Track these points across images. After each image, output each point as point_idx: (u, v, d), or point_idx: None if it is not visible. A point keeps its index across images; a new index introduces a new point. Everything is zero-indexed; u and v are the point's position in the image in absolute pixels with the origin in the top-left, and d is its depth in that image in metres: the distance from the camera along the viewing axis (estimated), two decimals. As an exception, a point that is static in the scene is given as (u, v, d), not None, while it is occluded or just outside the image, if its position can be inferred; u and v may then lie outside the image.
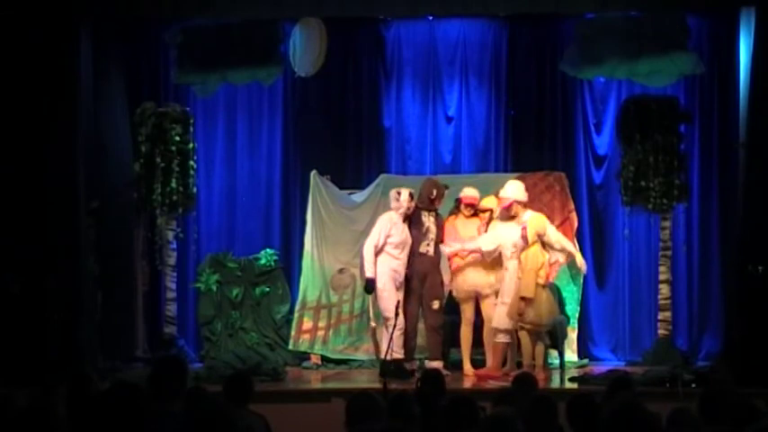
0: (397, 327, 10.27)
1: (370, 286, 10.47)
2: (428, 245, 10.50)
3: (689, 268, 11.79)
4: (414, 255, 10.48)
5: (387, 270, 10.42)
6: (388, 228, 10.44)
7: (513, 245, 10.33)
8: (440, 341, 10.53)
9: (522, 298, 10.18)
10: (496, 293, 10.46)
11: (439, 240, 10.53)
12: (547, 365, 10.71)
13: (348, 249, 11.45)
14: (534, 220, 10.37)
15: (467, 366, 10.58)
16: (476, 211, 10.64)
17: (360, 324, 11.30)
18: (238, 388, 6.36)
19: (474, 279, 10.51)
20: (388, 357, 10.15)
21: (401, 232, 10.46)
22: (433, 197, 10.54)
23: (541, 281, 10.25)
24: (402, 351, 10.32)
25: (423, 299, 10.47)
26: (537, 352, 10.43)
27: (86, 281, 10.69)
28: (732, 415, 5.40)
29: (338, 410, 5.35)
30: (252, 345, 11.36)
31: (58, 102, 10.36)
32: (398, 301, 10.22)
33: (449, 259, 10.61)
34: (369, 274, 10.41)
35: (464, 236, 10.57)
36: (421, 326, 10.66)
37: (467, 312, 10.59)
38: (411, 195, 10.52)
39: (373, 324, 11.10)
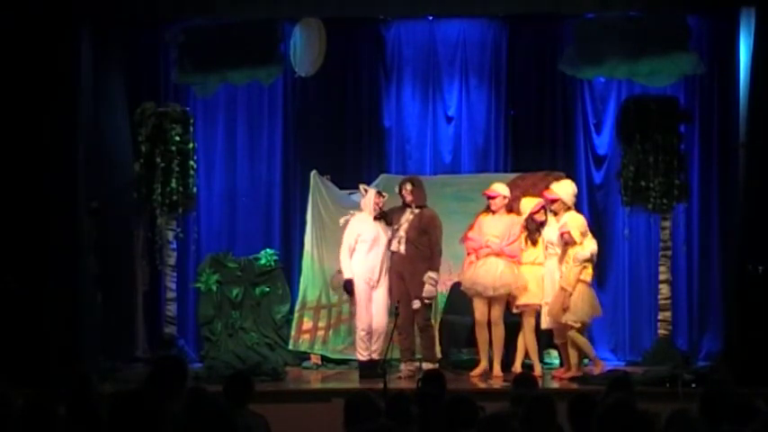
0: (360, 327, 10.39)
1: (348, 287, 10.52)
2: (399, 242, 10.43)
3: (689, 268, 11.78)
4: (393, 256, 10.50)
5: (359, 271, 10.45)
6: (356, 227, 10.50)
7: (551, 244, 10.35)
8: (430, 342, 10.48)
9: (563, 289, 10.16)
10: (508, 296, 10.42)
11: (415, 237, 10.36)
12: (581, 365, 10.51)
13: (348, 249, 11.45)
14: (575, 221, 10.36)
15: (479, 368, 10.47)
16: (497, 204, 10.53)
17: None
18: (239, 388, 6.37)
19: (477, 278, 10.40)
20: (361, 358, 10.36)
21: (372, 229, 10.46)
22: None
23: (586, 278, 10.23)
24: (366, 353, 10.37)
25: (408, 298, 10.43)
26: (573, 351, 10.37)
27: (86, 281, 10.69)
28: (732, 415, 5.40)
29: (338, 410, 5.35)
30: (252, 345, 11.35)
31: (58, 102, 10.36)
32: (398, 300, 10.23)
33: (467, 254, 10.55)
34: (346, 275, 10.49)
35: (487, 232, 10.48)
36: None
37: (476, 311, 10.44)
38: (379, 194, 10.51)
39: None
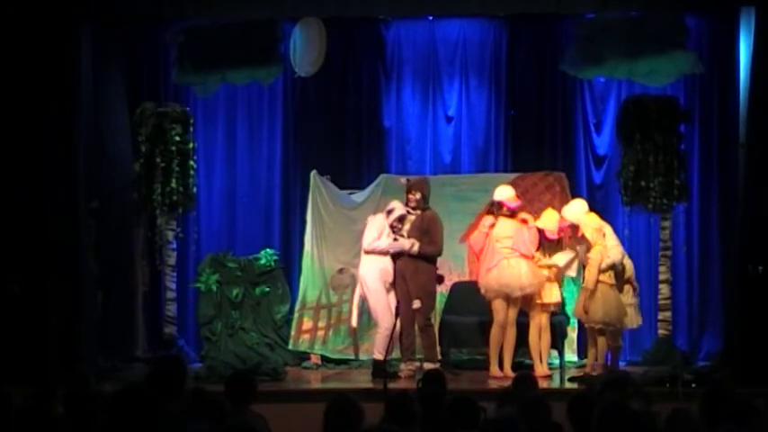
0: (384, 327, 10.34)
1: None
2: None
3: (689, 268, 11.79)
4: (395, 255, 10.48)
5: (375, 271, 10.43)
6: (378, 225, 10.51)
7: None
8: (431, 342, 10.46)
9: (585, 289, 10.15)
10: (525, 298, 10.40)
11: (417, 238, 10.36)
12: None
13: (348, 249, 11.45)
14: (589, 220, 10.36)
15: (494, 369, 10.43)
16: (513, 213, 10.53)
17: (360, 324, 11.25)
18: (240, 388, 6.37)
19: (502, 279, 10.32)
20: (380, 357, 10.27)
21: (387, 236, 10.49)
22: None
23: (609, 280, 10.22)
24: (383, 353, 10.29)
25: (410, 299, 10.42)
26: (600, 351, 10.37)
27: (86, 281, 10.68)
28: (732, 415, 5.40)
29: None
30: (252, 345, 11.35)
31: (58, 102, 10.35)
32: (398, 301, 10.25)
33: (477, 258, 10.52)
34: (395, 244, 10.38)
35: (498, 235, 10.45)
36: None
37: (499, 313, 10.38)
38: (400, 218, 10.48)
39: (354, 324, 11.08)
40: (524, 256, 10.42)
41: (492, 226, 10.44)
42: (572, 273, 10.57)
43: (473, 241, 10.55)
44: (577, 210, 10.50)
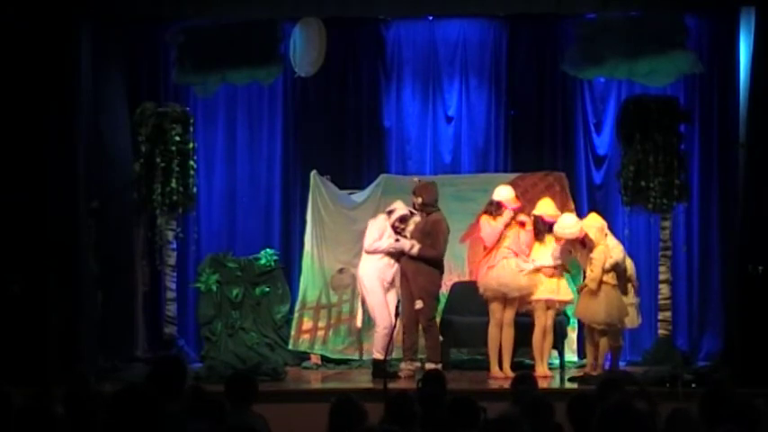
0: (382, 326, 10.34)
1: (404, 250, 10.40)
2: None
3: (689, 268, 11.79)
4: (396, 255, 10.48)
5: (373, 270, 10.45)
6: (379, 226, 10.52)
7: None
8: (434, 342, 10.46)
9: (587, 287, 10.14)
10: (523, 299, 10.43)
11: (419, 239, 10.37)
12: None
13: (348, 249, 11.45)
14: (591, 221, 10.36)
15: (494, 369, 10.44)
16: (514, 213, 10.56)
17: (360, 324, 11.24)
18: (240, 388, 6.37)
19: (505, 279, 10.35)
20: (378, 356, 10.26)
21: (389, 236, 10.50)
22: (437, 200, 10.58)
23: (611, 280, 10.21)
24: (382, 352, 10.27)
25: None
26: (601, 351, 10.37)
27: (86, 281, 10.68)
28: (732, 415, 5.40)
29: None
30: (252, 345, 11.36)
31: (58, 102, 10.35)
32: (398, 301, 10.25)
33: (486, 253, 10.53)
34: (395, 244, 10.39)
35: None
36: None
37: (496, 313, 10.42)
38: (402, 218, 10.50)
39: (358, 324, 11.10)
40: (519, 253, 10.44)
41: (505, 228, 10.44)
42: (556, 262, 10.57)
43: (485, 236, 10.50)
44: (572, 221, 10.46)
